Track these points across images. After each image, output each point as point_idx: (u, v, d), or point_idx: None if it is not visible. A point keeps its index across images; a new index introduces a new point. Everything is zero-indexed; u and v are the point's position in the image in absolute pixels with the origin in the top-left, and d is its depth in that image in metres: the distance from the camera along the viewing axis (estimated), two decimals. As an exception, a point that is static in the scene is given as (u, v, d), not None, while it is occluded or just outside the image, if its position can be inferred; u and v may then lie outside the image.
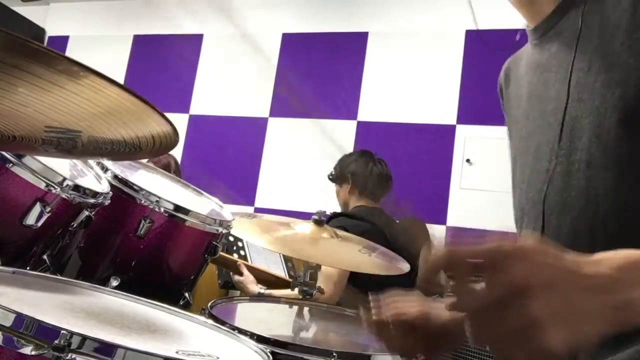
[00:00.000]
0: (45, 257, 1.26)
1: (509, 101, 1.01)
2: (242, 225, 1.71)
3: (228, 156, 4.09)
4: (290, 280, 2.23)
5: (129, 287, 1.25)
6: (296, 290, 1.74)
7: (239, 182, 3.97)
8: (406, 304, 0.83)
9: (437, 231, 3.36)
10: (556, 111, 0.84)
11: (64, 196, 1.15)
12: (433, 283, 0.56)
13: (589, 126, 0.78)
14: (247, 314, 1.54)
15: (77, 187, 1.18)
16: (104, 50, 4.61)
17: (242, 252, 2.66)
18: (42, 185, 1.11)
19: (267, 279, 2.31)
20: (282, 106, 4.11)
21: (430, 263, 0.55)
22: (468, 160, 3.52)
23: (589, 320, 0.51)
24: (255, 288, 2.19)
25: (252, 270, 2.28)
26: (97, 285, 1.14)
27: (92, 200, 1.23)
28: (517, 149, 0.94)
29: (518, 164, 0.93)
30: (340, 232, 1.83)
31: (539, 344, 0.49)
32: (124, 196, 1.40)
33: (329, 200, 2.75)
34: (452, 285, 0.54)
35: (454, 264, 0.54)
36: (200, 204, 1.65)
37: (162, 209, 1.42)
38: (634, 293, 0.53)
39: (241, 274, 2.23)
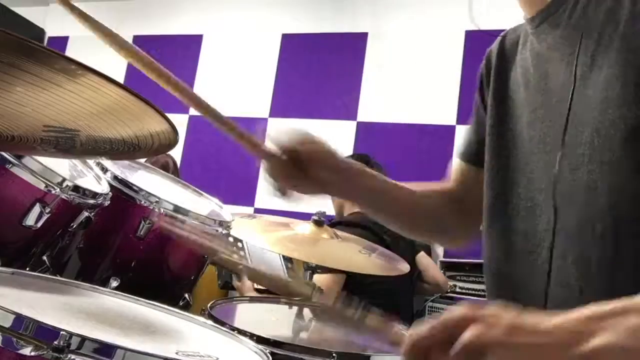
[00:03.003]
0: (44, 257, 1.26)
1: (505, 81, 0.98)
2: (241, 225, 1.70)
3: (228, 156, 4.07)
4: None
5: (129, 287, 1.25)
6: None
7: (239, 182, 3.96)
8: None
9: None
10: (560, 104, 0.84)
11: (63, 197, 1.15)
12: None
13: (592, 121, 0.78)
14: (247, 314, 1.53)
15: (76, 188, 1.18)
16: (104, 50, 4.58)
17: (241, 253, 2.65)
18: (42, 186, 1.11)
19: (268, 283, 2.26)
20: (282, 106, 4.11)
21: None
22: (468, 161, 3.51)
23: None
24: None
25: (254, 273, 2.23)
26: (96, 286, 1.14)
27: (91, 201, 1.23)
28: (516, 133, 0.93)
29: (519, 149, 0.92)
30: (340, 233, 1.83)
31: None
32: (124, 197, 1.40)
33: (329, 201, 2.75)
34: None
35: (419, 347, 0.60)
36: (200, 205, 1.65)
37: (161, 210, 1.42)
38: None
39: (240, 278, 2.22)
